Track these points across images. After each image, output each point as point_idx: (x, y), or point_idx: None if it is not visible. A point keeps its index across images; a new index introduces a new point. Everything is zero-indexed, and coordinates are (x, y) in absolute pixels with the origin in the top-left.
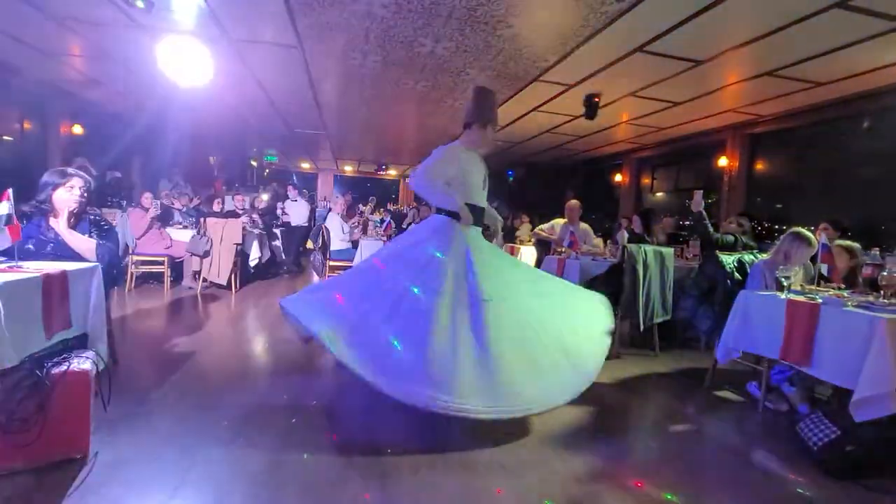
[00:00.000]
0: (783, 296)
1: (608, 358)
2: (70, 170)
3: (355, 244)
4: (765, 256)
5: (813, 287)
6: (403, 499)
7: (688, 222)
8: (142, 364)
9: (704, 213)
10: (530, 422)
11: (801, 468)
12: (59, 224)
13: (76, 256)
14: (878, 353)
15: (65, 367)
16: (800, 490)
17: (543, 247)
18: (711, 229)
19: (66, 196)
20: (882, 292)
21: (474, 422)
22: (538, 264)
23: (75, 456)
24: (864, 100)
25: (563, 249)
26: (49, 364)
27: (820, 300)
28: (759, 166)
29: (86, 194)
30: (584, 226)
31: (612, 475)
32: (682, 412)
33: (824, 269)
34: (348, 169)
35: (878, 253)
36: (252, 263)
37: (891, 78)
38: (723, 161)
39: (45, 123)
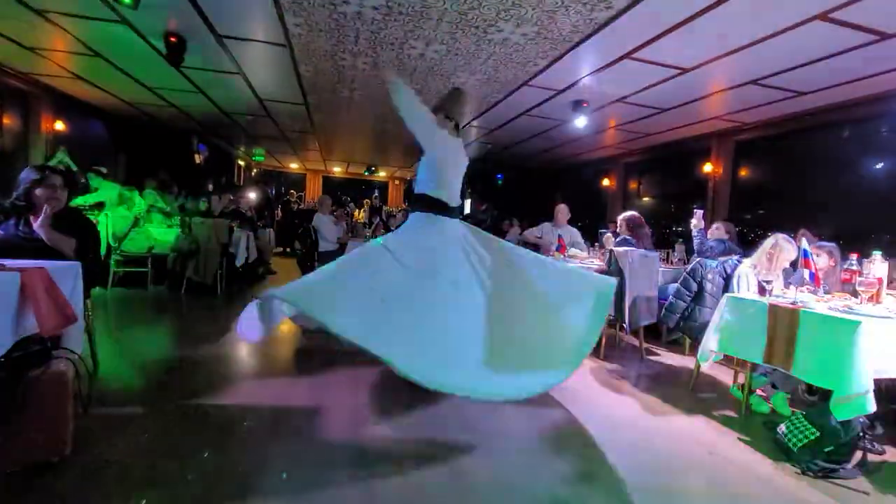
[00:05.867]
0: (765, 300)
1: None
2: (50, 166)
3: (343, 246)
4: (748, 261)
5: (794, 291)
6: (389, 499)
7: (680, 229)
8: (123, 366)
9: (703, 230)
10: (516, 422)
11: (782, 468)
12: (39, 221)
13: (57, 254)
14: (855, 355)
15: (42, 369)
16: (780, 490)
17: (532, 250)
18: (708, 245)
19: (46, 193)
20: (860, 296)
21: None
22: None
23: (53, 459)
24: (844, 109)
25: (553, 253)
26: (26, 365)
27: (800, 304)
28: (743, 173)
29: (66, 191)
30: (571, 229)
31: (596, 476)
32: (667, 414)
33: (806, 273)
34: (337, 170)
35: (855, 259)
36: (239, 263)
37: (870, 88)
38: (708, 167)
39: (26, 119)
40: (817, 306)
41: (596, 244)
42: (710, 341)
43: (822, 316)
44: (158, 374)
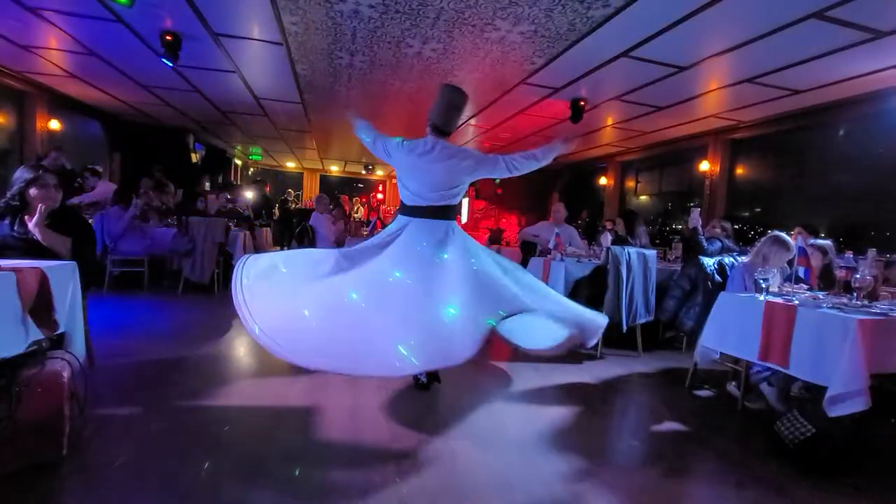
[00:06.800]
0: (761, 298)
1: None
2: (44, 165)
3: (340, 244)
4: (744, 259)
5: (789, 288)
6: (388, 498)
7: (680, 226)
8: (120, 367)
9: (700, 228)
10: (514, 421)
11: (779, 465)
12: (34, 221)
13: (52, 254)
14: (851, 352)
15: (38, 369)
16: (777, 487)
17: (529, 248)
18: (705, 243)
19: (41, 192)
20: (855, 294)
21: None
22: (523, 265)
23: (49, 461)
24: (839, 108)
25: (549, 251)
26: (22, 365)
27: (796, 302)
28: (740, 171)
29: (61, 190)
30: (569, 228)
31: (595, 474)
32: (664, 412)
33: (801, 271)
34: (334, 169)
35: (850, 256)
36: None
37: (865, 87)
38: (704, 165)
39: (20, 117)
40: (813, 304)
41: (593, 242)
42: (707, 340)
43: (818, 313)
44: (155, 374)
